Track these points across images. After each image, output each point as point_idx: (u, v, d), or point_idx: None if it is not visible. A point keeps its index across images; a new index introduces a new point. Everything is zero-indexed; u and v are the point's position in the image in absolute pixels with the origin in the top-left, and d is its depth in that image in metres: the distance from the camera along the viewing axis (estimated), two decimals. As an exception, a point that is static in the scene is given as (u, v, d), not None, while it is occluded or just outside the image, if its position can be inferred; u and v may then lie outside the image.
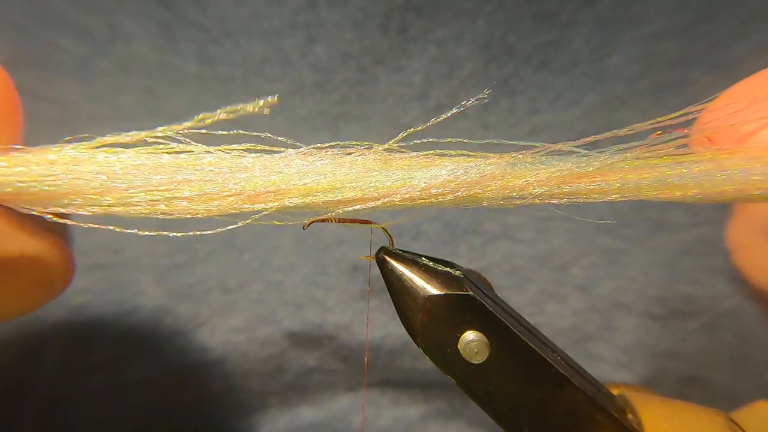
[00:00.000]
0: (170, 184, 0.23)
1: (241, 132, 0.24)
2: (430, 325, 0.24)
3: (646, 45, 0.44)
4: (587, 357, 0.41)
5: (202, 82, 0.41)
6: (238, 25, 0.41)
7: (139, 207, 0.23)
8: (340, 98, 0.42)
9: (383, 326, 0.40)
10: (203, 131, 0.23)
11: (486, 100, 0.43)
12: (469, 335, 0.24)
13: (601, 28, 0.43)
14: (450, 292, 0.24)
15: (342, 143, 0.25)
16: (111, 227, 0.22)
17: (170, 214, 0.23)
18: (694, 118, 0.27)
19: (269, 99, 0.23)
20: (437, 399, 0.41)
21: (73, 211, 0.22)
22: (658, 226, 0.42)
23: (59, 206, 0.22)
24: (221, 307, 0.40)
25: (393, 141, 0.26)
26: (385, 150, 0.26)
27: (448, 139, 0.26)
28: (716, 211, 0.31)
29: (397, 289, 0.25)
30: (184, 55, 0.41)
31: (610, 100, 0.43)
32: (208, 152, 0.24)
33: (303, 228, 0.26)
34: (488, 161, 0.25)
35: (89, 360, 0.38)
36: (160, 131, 0.23)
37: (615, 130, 0.24)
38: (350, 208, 0.24)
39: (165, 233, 0.22)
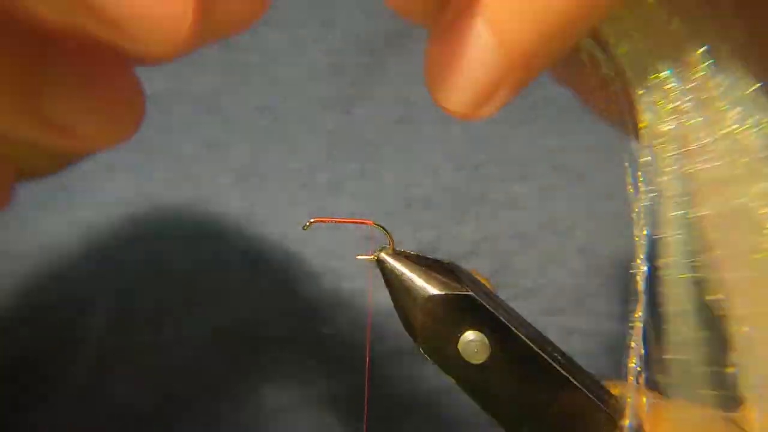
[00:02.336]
0: None
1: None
2: (430, 325, 0.25)
3: None
4: (588, 314, 0.43)
5: (225, 66, 0.44)
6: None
7: None
8: (352, 81, 0.44)
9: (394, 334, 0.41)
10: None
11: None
12: (469, 335, 0.25)
13: None
14: (450, 292, 0.25)
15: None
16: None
17: None
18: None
19: None
20: (445, 407, 0.42)
21: None
22: None
23: None
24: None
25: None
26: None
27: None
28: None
29: (397, 290, 0.26)
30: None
31: None
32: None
33: (303, 228, 0.27)
34: None
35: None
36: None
37: None
38: None
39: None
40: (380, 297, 0.40)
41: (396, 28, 0.44)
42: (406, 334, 0.25)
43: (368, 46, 0.44)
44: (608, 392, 0.25)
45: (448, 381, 0.25)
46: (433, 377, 0.41)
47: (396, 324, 0.24)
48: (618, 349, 0.23)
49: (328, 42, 0.44)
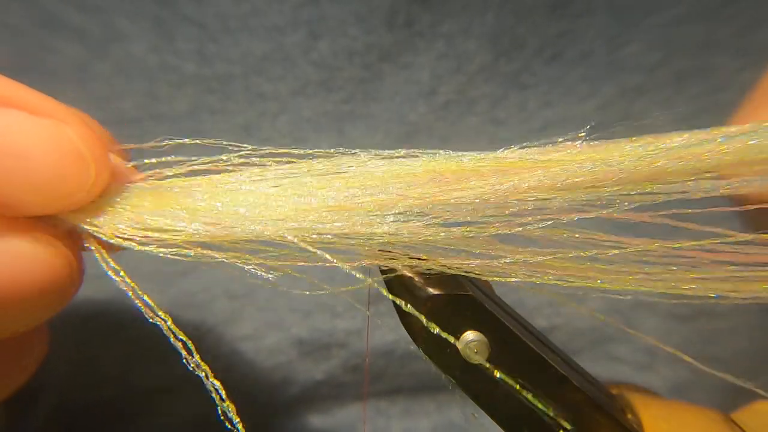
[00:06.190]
0: None
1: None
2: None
3: (666, 31, 0.44)
4: (607, 358, 0.41)
5: (202, 83, 0.43)
6: (237, 21, 0.42)
7: None
8: (345, 97, 0.44)
9: (395, 329, 0.41)
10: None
11: (496, 96, 0.44)
12: (469, 335, 0.26)
13: (617, 15, 0.43)
14: (450, 292, 0.26)
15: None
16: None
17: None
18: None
19: None
20: (450, 410, 0.42)
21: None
22: (679, 220, 0.42)
23: None
24: (227, 315, 0.41)
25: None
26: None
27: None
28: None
29: (397, 290, 0.26)
30: (183, 55, 0.43)
31: (626, 91, 0.44)
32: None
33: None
34: None
35: (96, 371, 0.40)
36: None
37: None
38: None
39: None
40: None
41: (393, 39, 0.43)
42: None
43: (362, 59, 0.43)
44: (608, 392, 0.26)
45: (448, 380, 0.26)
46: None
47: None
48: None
49: (319, 53, 0.43)
